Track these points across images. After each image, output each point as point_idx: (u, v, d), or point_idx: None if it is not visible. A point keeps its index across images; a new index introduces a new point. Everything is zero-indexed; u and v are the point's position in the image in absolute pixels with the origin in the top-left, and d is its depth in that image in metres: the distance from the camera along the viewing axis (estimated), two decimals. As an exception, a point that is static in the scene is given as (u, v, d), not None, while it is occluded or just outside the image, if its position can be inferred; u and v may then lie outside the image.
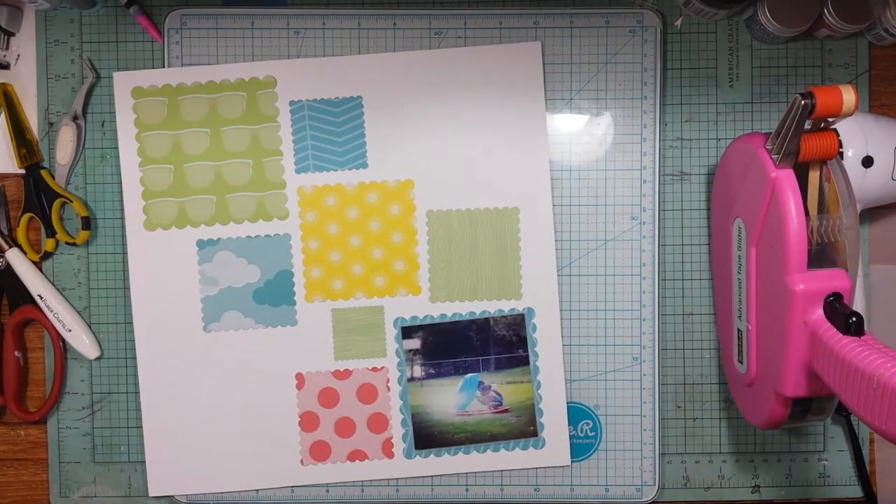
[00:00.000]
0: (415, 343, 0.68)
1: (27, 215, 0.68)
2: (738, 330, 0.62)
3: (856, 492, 0.69)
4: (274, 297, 0.68)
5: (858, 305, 0.65)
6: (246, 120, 0.67)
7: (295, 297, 0.68)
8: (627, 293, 0.68)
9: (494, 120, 0.67)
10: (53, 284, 0.69)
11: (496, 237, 0.67)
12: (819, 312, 0.53)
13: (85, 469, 0.70)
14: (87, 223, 0.68)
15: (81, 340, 0.68)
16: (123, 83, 0.67)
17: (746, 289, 0.60)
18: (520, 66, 0.67)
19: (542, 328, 0.67)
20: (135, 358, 0.69)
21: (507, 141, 0.67)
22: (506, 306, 0.67)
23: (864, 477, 0.69)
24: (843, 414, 0.68)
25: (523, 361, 0.68)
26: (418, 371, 0.68)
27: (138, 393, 0.69)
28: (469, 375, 0.68)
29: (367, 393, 0.68)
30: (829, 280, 0.53)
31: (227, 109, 0.67)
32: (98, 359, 0.69)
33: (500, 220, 0.67)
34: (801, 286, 0.53)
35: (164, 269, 0.67)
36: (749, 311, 0.60)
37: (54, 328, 0.68)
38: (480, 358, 0.68)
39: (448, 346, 0.68)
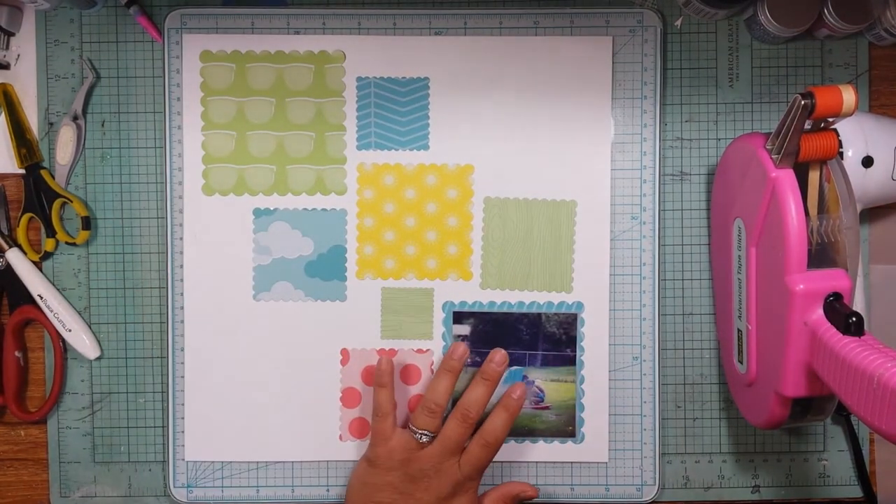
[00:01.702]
0: (464, 329, 0.68)
1: (27, 215, 0.68)
2: (738, 330, 0.62)
3: (856, 492, 0.69)
4: (325, 271, 0.68)
5: (858, 305, 0.65)
6: (312, 93, 0.67)
7: (346, 273, 0.68)
8: (627, 293, 0.68)
9: (559, 112, 0.67)
10: (53, 284, 0.69)
11: (551, 228, 0.67)
12: (819, 312, 0.53)
13: (85, 469, 0.70)
14: (87, 223, 0.68)
15: (81, 340, 0.68)
16: (192, 45, 0.67)
17: (746, 289, 0.60)
18: (589, 61, 0.67)
19: (590, 324, 0.67)
20: (135, 358, 0.69)
21: (571, 134, 0.67)
22: (555, 299, 0.67)
23: (864, 477, 0.69)
24: (843, 414, 0.68)
25: (570, 361, 0.68)
26: None
27: (138, 393, 0.69)
28: (514, 368, 0.68)
29: (411, 374, 0.68)
30: (829, 280, 0.53)
31: (293, 81, 0.67)
32: (98, 359, 0.69)
33: (557, 211, 0.67)
34: (801, 286, 0.53)
35: (218, 235, 0.68)
36: (749, 311, 0.60)
37: (54, 328, 0.68)
38: (528, 352, 0.68)
39: (497, 337, 0.68)
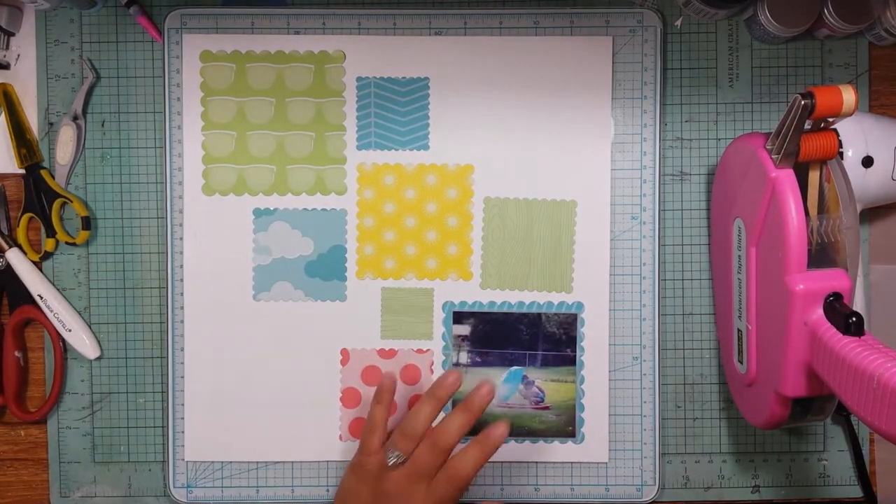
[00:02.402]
0: (464, 329, 0.68)
1: (27, 215, 0.68)
2: (738, 330, 0.62)
3: (856, 492, 0.69)
4: (325, 271, 0.68)
5: (858, 305, 0.65)
6: (312, 93, 0.67)
7: (346, 273, 0.68)
8: (627, 293, 0.68)
9: (559, 112, 0.67)
10: (53, 284, 0.69)
11: (551, 229, 0.67)
12: (819, 312, 0.53)
13: (85, 469, 0.70)
14: (87, 223, 0.68)
15: (81, 340, 0.68)
16: (192, 45, 0.67)
17: (746, 289, 0.60)
18: (589, 61, 0.67)
19: (590, 324, 0.68)
20: (135, 358, 0.69)
21: (571, 134, 0.67)
22: (555, 299, 0.67)
23: (864, 477, 0.69)
24: (843, 414, 0.68)
25: (570, 361, 0.68)
26: (464, 357, 0.68)
27: (138, 393, 0.69)
28: (514, 368, 0.68)
29: (411, 374, 0.68)
30: (828, 280, 0.53)
31: (293, 81, 0.67)
32: (98, 359, 0.69)
33: (557, 211, 0.67)
34: (801, 286, 0.53)
35: (218, 234, 0.68)
36: (749, 311, 0.60)
37: (54, 328, 0.68)
38: (528, 352, 0.68)
39: (497, 337, 0.68)
